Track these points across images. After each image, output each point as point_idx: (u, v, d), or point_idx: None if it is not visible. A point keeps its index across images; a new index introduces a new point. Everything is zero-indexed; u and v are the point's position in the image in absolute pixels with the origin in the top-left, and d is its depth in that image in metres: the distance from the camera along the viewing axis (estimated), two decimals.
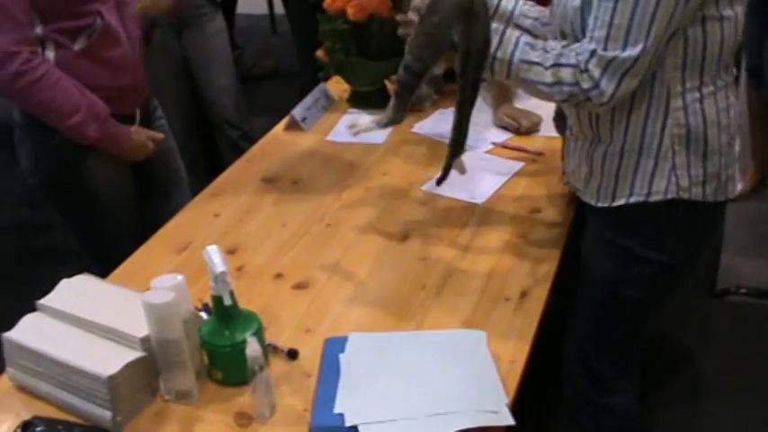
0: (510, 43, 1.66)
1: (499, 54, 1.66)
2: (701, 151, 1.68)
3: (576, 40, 1.64)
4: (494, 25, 1.68)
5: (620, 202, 1.75)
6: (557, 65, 1.62)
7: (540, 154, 2.33)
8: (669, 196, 1.70)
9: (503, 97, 2.53)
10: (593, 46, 1.58)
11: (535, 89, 1.68)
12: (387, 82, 2.74)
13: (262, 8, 5.91)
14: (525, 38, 1.68)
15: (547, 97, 1.68)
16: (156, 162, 2.43)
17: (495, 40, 1.66)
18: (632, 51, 1.55)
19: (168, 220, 2.18)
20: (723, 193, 1.75)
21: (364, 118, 1.85)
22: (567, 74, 1.61)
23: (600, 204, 1.79)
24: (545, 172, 2.24)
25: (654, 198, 1.71)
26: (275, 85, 5.26)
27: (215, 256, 1.50)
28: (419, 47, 1.70)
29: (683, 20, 1.56)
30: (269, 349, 1.63)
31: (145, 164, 2.38)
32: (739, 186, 1.80)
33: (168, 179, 2.53)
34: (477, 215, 2.09)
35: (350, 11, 2.54)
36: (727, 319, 2.09)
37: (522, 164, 2.30)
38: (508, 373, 1.57)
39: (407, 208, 2.14)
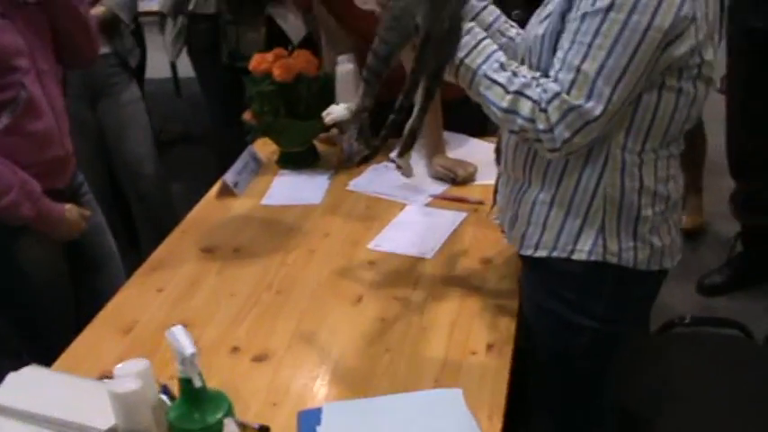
0: (482, 55, 1.59)
1: (467, 60, 1.59)
2: (634, 216, 1.64)
3: (532, 68, 1.59)
4: (475, 30, 1.62)
5: (543, 253, 1.70)
6: (519, 93, 1.54)
7: (480, 203, 2.34)
8: (593, 258, 1.66)
9: (435, 148, 2.53)
10: (557, 88, 1.50)
11: (490, 110, 1.59)
12: (315, 141, 2.73)
13: (165, 71, 5.82)
14: (500, 55, 1.60)
15: (500, 122, 1.60)
16: (88, 238, 2.34)
17: (468, 46, 1.60)
18: (596, 104, 1.48)
19: (105, 298, 2.09)
20: (658, 262, 1.70)
21: (336, 107, 1.82)
22: (525, 107, 1.53)
23: (522, 252, 1.75)
24: (489, 221, 2.24)
25: (577, 257, 1.67)
26: (184, 149, 5.18)
27: (182, 337, 1.43)
28: (385, 29, 1.64)
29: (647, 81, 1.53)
30: (239, 427, 1.57)
31: (76, 241, 2.28)
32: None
33: (101, 255, 2.43)
34: (428, 270, 2.07)
35: (276, 72, 2.52)
36: (681, 352, 2.11)
37: (464, 214, 2.30)
38: (488, 430, 1.54)
39: (356, 268, 2.11)
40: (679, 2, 1.46)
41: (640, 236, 1.65)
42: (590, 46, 1.47)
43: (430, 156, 2.53)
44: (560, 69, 1.51)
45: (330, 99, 2.55)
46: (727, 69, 3.15)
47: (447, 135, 2.60)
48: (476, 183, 2.46)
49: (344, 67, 2.51)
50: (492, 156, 2.52)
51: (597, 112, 1.49)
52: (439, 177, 2.49)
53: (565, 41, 1.52)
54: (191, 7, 3.67)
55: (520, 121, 1.54)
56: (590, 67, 1.48)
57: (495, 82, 1.57)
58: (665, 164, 1.64)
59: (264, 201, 2.49)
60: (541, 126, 1.52)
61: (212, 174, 4.12)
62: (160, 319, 1.95)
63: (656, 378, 2.02)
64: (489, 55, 1.59)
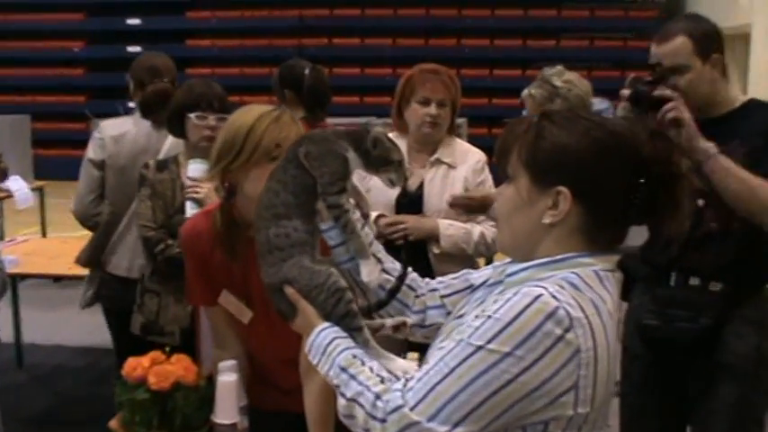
0: (329, 359, 1.64)
1: (318, 367, 1.67)
2: None
3: None
4: (326, 331, 1.70)
5: None
6: (353, 400, 1.57)
7: None
8: None
9: None
10: (401, 401, 1.50)
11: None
12: None
13: (6, 335, 5.39)
14: (343, 357, 1.63)
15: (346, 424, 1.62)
16: None
17: (319, 351, 1.67)
18: (438, 426, 1.47)
19: None
20: None
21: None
22: (360, 415, 1.56)
23: None
24: None
25: None
26: None
27: None
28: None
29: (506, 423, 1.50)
30: None
31: None
32: None
33: None
34: None
35: (151, 379, 2.34)
36: None
37: None
38: None
39: None
40: (556, 368, 1.46)
41: None
42: (452, 371, 1.48)
43: None
44: (417, 380, 1.52)
45: (209, 411, 2.38)
46: (621, 373, 3.10)
47: None
48: None
49: (226, 377, 2.35)
50: None
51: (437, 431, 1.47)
52: None
53: (432, 357, 1.56)
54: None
55: (358, 427, 1.57)
56: (445, 390, 1.48)
57: (336, 387, 1.62)
58: None
59: None
60: None
61: None
62: None
63: None
64: (334, 358, 1.64)
